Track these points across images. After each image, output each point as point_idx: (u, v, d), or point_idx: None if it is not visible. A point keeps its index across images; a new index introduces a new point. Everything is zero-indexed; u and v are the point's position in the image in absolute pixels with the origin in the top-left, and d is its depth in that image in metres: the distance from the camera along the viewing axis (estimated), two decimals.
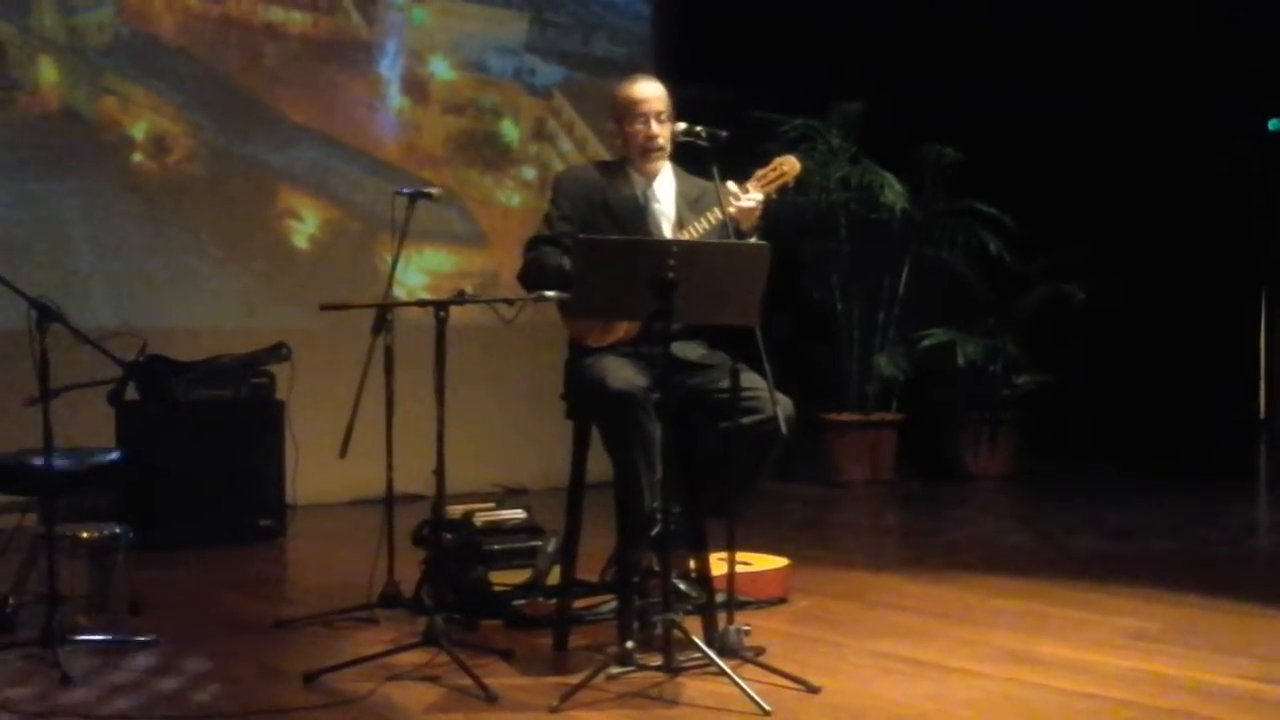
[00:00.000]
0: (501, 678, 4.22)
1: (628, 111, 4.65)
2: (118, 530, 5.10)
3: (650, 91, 4.66)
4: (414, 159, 8.65)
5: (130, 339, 5.23)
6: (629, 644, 4.20)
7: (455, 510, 5.28)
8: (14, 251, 7.02)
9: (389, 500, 5.13)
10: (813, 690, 4.05)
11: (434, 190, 5.32)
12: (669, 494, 4.19)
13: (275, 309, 7.97)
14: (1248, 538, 7.39)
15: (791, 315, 8.30)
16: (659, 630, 4.16)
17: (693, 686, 4.09)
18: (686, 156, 4.69)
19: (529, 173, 9.10)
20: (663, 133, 4.62)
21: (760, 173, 4.63)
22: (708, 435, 4.50)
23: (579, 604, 4.88)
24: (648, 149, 4.64)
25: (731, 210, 4.48)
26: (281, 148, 8.23)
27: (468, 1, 8.89)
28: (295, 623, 5.01)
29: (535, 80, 9.13)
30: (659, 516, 4.18)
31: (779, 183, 4.62)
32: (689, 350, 4.55)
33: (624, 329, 4.52)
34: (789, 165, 4.64)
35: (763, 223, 4.60)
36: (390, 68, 8.64)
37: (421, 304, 4.76)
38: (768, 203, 4.59)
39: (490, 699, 4.00)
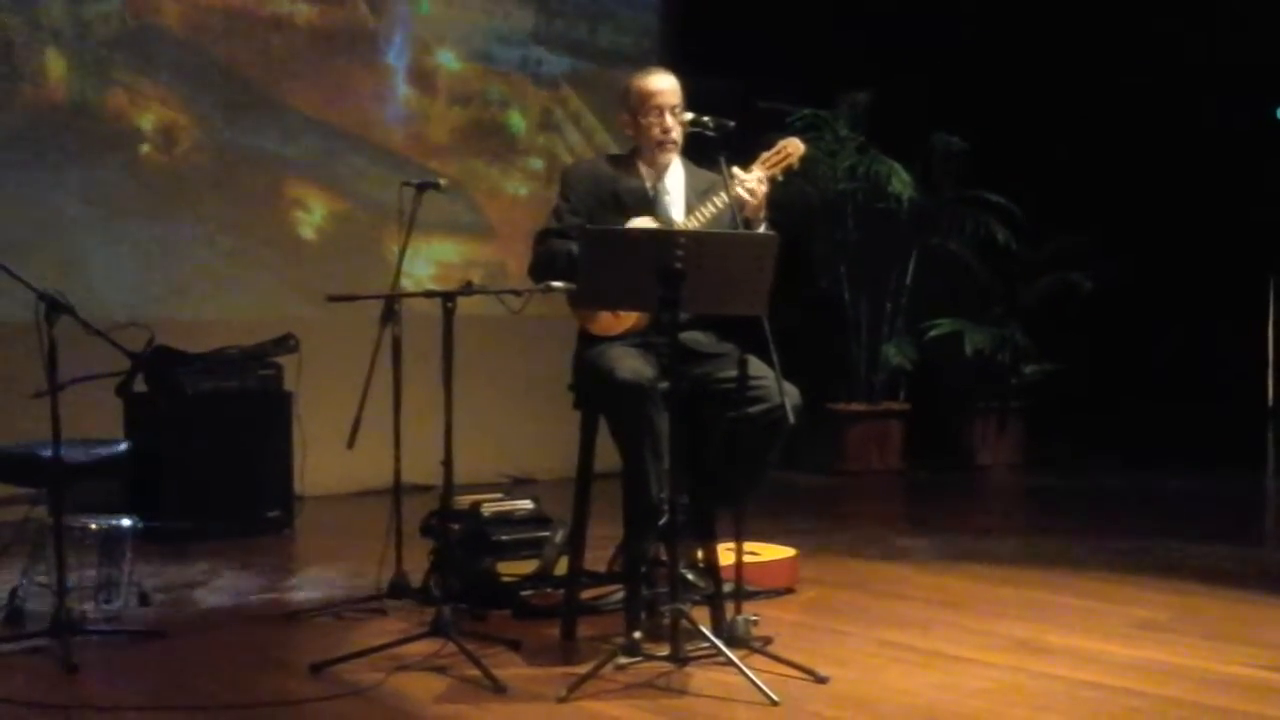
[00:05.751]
0: (509, 668, 4.22)
1: (643, 104, 4.65)
2: (126, 521, 5.11)
3: (665, 84, 4.66)
4: (421, 150, 8.65)
5: (138, 331, 5.22)
6: (637, 634, 4.21)
7: (463, 501, 5.29)
8: (22, 244, 7.01)
9: (397, 491, 5.13)
10: (821, 680, 4.05)
11: (441, 181, 5.32)
12: (677, 484, 4.19)
13: (283, 300, 7.98)
14: (1255, 526, 7.39)
15: (799, 305, 8.30)
16: (667, 620, 4.15)
17: (701, 676, 4.09)
18: (694, 146, 4.68)
19: (536, 163, 9.10)
20: (676, 127, 4.62)
21: (765, 155, 4.63)
22: (715, 425, 4.50)
23: (587, 594, 4.88)
24: (662, 142, 4.64)
25: (737, 192, 4.47)
26: (288, 139, 8.23)
27: None
28: (303, 614, 5.02)
29: (542, 71, 9.12)
30: (666, 506, 4.18)
31: (784, 164, 4.62)
32: (697, 340, 4.55)
33: (633, 319, 4.52)
34: (793, 147, 4.64)
35: (770, 212, 4.59)
36: (397, 58, 8.63)
37: (429, 295, 4.75)
38: (773, 186, 4.59)
39: (498, 689, 4.00)
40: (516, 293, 4.65)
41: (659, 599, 4.30)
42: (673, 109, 4.63)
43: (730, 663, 3.99)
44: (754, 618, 4.47)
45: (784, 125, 8.43)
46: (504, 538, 5.22)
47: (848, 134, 9.07)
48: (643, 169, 4.70)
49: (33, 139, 7.44)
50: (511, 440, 8.48)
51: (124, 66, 7.72)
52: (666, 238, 4.19)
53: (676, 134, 4.64)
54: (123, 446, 5.45)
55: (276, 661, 4.45)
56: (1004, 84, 9.09)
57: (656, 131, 4.64)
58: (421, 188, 5.13)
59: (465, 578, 5.00)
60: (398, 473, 5.14)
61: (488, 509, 5.35)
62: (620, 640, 4.25)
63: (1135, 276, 8.95)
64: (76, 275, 7.18)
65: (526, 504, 5.44)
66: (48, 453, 4.49)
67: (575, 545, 4.71)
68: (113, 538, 5.07)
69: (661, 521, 4.21)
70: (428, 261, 8.51)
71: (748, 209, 4.51)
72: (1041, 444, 9.36)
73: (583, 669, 4.06)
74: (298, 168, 8.28)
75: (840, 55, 8.90)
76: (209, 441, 6.69)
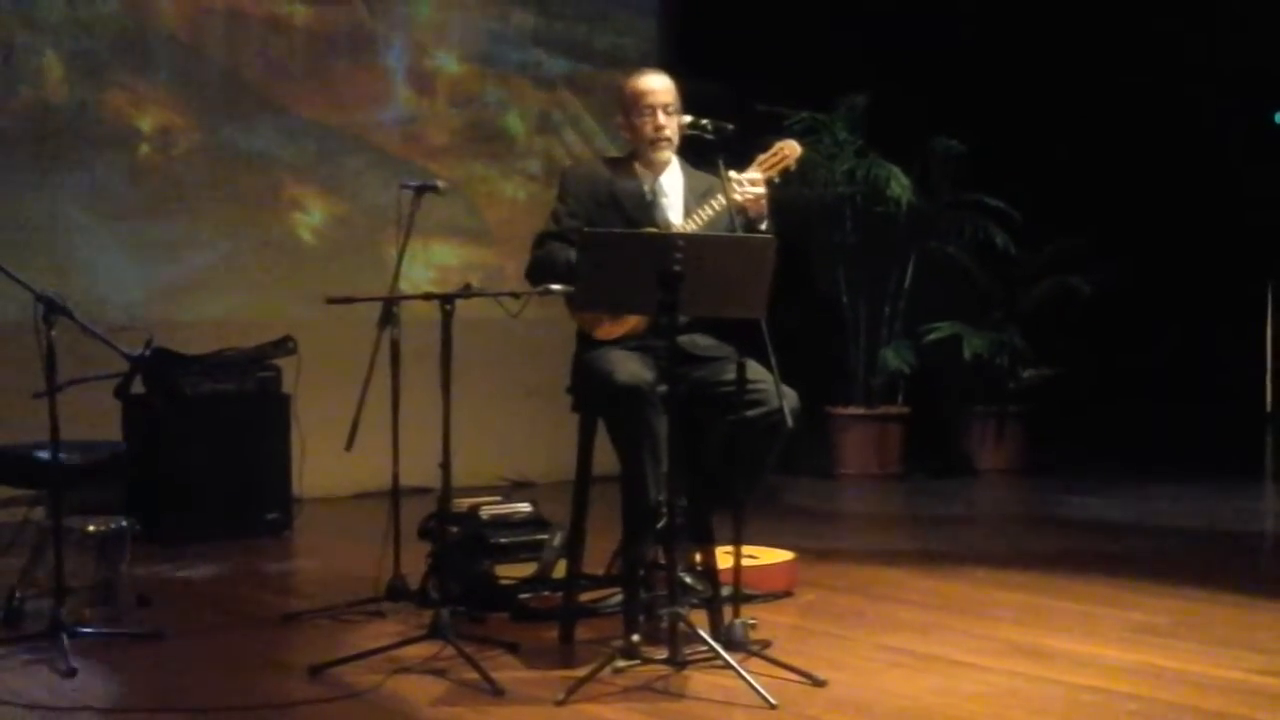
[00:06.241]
0: (507, 671, 4.22)
1: (635, 104, 4.66)
2: (124, 523, 5.11)
3: (657, 84, 4.67)
4: (419, 152, 8.64)
5: (136, 332, 5.23)
6: (635, 637, 4.21)
7: (461, 503, 5.29)
8: (20, 244, 7.02)
9: (395, 493, 5.13)
10: (819, 684, 4.05)
11: (440, 183, 5.31)
12: (675, 487, 4.19)
13: (281, 302, 7.96)
14: (1253, 531, 7.39)
15: (798, 308, 8.31)
16: (665, 624, 4.16)
17: (698, 680, 4.09)
18: (692, 150, 4.69)
19: (534, 166, 9.09)
20: (670, 125, 4.63)
21: (761, 157, 4.62)
22: (714, 428, 4.50)
23: (585, 597, 4.88)
24: (655, 141, 4.64)
25: (737, 197, 4.47)
26: (287, 141, 8.23)
27: None
28: (301, 616, 5.02)
29: (541, 73, 9.11)
30: (665, 510, 4.18)
31: (780, 166, 4.61)
32: (695, 343, 4.55)
33: (632, 322, 4.52)
34: (789, 149, 4.63)
35: (771, 207, 4.58)
36: (396, 60, 8.63)
37: (427, 297, 4.76)
38: (770, 189, 4.59)
39: (496, 692, 4.00)
40: (515, 295, 4.65)
41: (657, 602, 4.30)
42: (665, 107, 4.64)
43: (728, 666, 3.99)
44: (752, 621, 4.48)
45: (782, 128, 8.43)
46: (502, 540, 5.22)
47: (846, 137, 9.07)
48: (640, 170, 4.70)
49: (31, 140, 7.44)
50: (510, 443, 8.47)
51: (123, 67, 7.72)
52: (665, 241, 4.19)
53: (670, 132, 4.64)
54: (121, 448, 5.46)
55: (275, 664, 4.45)
56: (1003, 87, 9.08)
57: (649, 130, 4.64)
58: (420, 190, 5.12)
59: (463, 580, 4.99)
60: (396, 475, 5.14)
61: (486, 512, 5.35)
62: (618, 643, 4.26)
63: (1134, 280, 8.95)
64: (75, 277, 7.19)
65: (525, 507, 5.44)
66: (46, 455, 4.49)
67: (573, 548, 4.71)
68: (111, 540, 5.06)
69: (660, 525, 4.20)
70: (426, 264, 8.49)
71: (750, 211, 4.51)
72: (1039, 448, 9.36)
73: (581, 672, 4.06)
74: (296, 169, 8.27)
75: (838, 58, 8.90)
76: (207, 443, 6.68)
